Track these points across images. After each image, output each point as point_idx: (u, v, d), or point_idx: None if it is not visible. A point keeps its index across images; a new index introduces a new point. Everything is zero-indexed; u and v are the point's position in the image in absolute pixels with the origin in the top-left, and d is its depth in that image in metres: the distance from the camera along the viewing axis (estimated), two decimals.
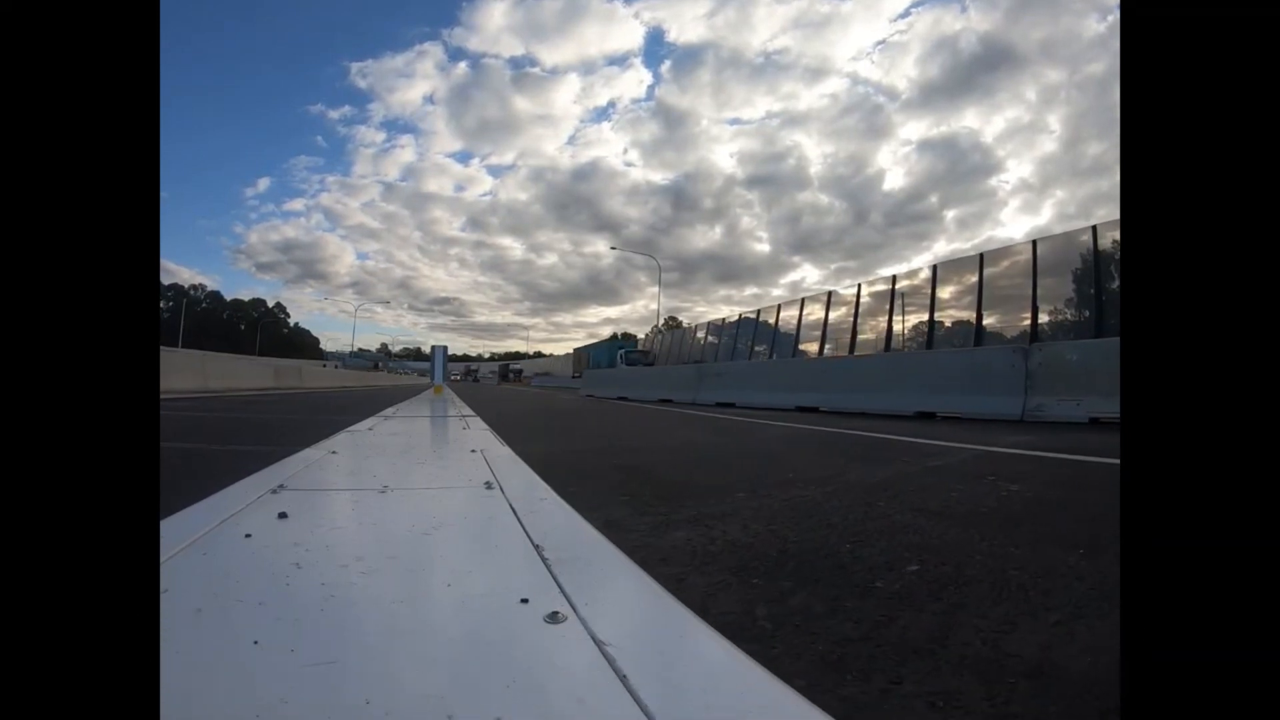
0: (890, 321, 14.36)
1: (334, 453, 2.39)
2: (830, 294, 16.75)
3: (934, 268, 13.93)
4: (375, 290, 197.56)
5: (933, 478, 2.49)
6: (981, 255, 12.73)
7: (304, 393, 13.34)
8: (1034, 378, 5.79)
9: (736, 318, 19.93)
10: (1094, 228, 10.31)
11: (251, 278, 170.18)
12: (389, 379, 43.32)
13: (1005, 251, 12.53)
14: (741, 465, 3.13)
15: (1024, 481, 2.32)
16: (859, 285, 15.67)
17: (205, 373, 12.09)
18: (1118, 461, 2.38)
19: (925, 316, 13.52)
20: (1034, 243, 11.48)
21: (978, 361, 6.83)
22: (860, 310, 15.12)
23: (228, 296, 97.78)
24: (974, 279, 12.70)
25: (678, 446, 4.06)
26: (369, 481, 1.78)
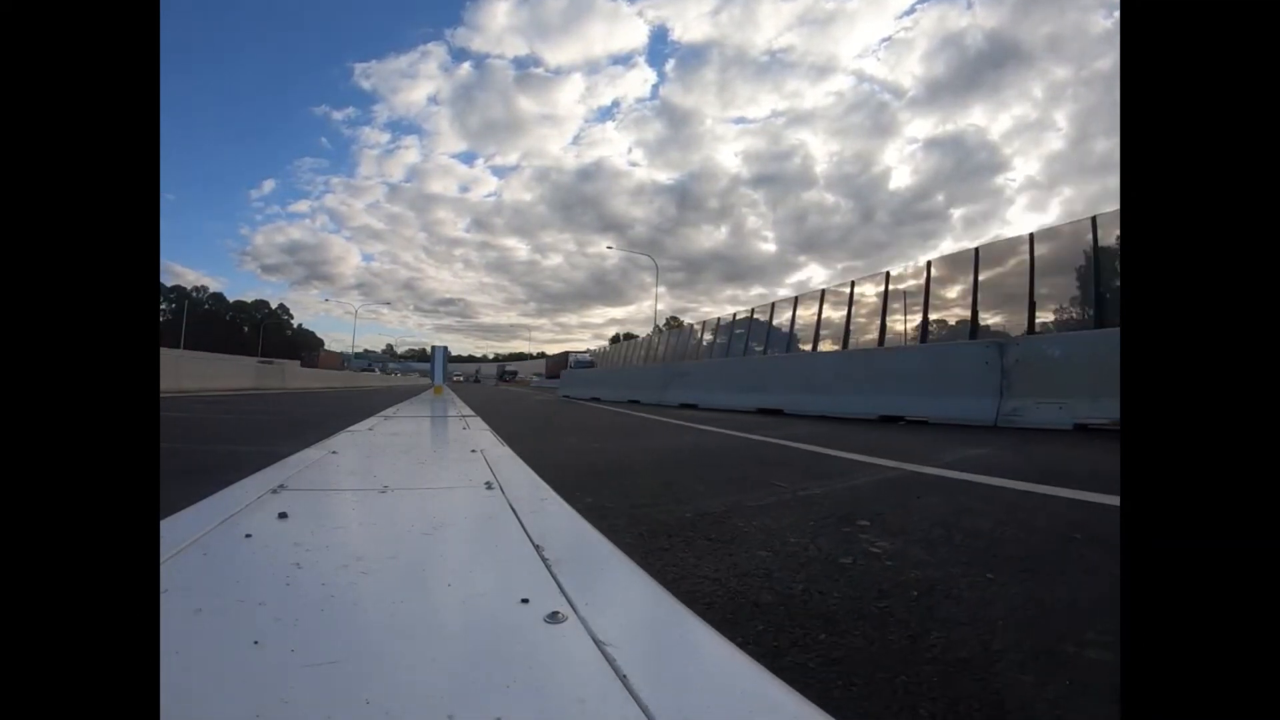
0: (884, 320, 14.32)
1: (334, 453, 2.39)
2: (823, 292, 16.70)
3: (928, 263, 13.92)
4: (381, 292, 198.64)
5: (774, 519, 1.74)
6: (977, 250, 12.74)
7: (278, 394, 12.99)
8: (1011, 377, 5.04)
9: (731, 317, 19.93)
10: (1094, 219, 10.23)
11: (257, 279, 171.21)
12: (380, 380, 41.84)
13: (1010, 250, 12.43)
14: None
15: (905, 536, 1.52)
16: (851, 283, 15.61)
17: (178, 372, 11.97)
18: (1080, 496, 1.99)
19: (932, 315, 13.42)
20: (1030, 235, 11.45)
21: (947, 359, 5.97)
22: (861, 309, 15.06)
23: (235, 299, 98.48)
24: (982, 277, 12.64)
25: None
26: (369, 481, 1.78)
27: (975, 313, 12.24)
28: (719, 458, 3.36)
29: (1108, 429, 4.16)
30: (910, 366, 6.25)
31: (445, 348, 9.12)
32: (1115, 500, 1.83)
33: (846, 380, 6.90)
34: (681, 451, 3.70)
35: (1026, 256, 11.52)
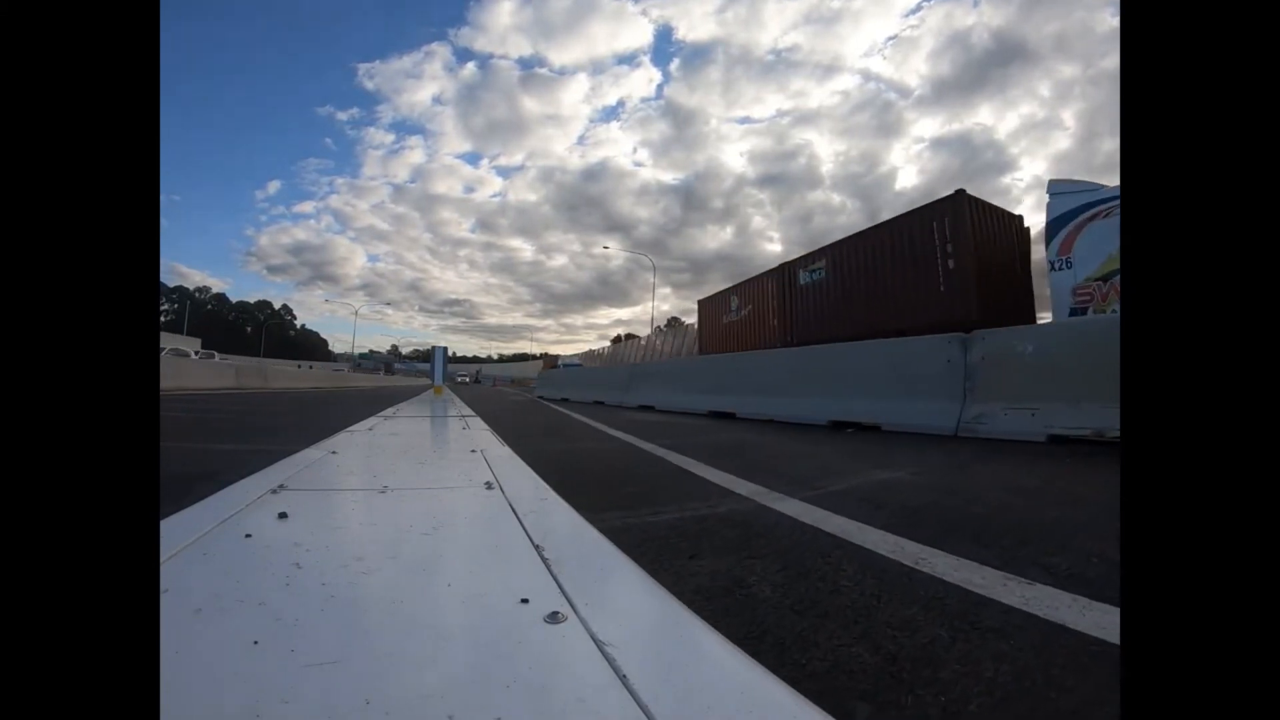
0: None
1: (334, 453, 2.40)
2: None
3: None
4: (386, 292, 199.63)
5: None
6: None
7: (250, 395, 12.48)
8: (975, 377, 4.30)
9: None
10: None
11: (262, 280, 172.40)
12: (367, 379, 39.26)
13: None
14: None
15: None
16: None
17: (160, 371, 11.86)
18: (965, 580, 1.20)
19: None
20: (1025, 223, 11.29)
21: (905, 356, 5.10)
22: None
23: (240, 299, 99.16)
24: None
25: None
26: (369, 481, 1.78)
27: None
28: (554, 474, 2.84)
29: (1091, 442, 3.42)
30: (866, 365, 5.48)
31: (445, 348, 9.15)
32: (1019, 597, 1.14)
33: (799, 381, 6.21)
34: (538, 462, 3.18)
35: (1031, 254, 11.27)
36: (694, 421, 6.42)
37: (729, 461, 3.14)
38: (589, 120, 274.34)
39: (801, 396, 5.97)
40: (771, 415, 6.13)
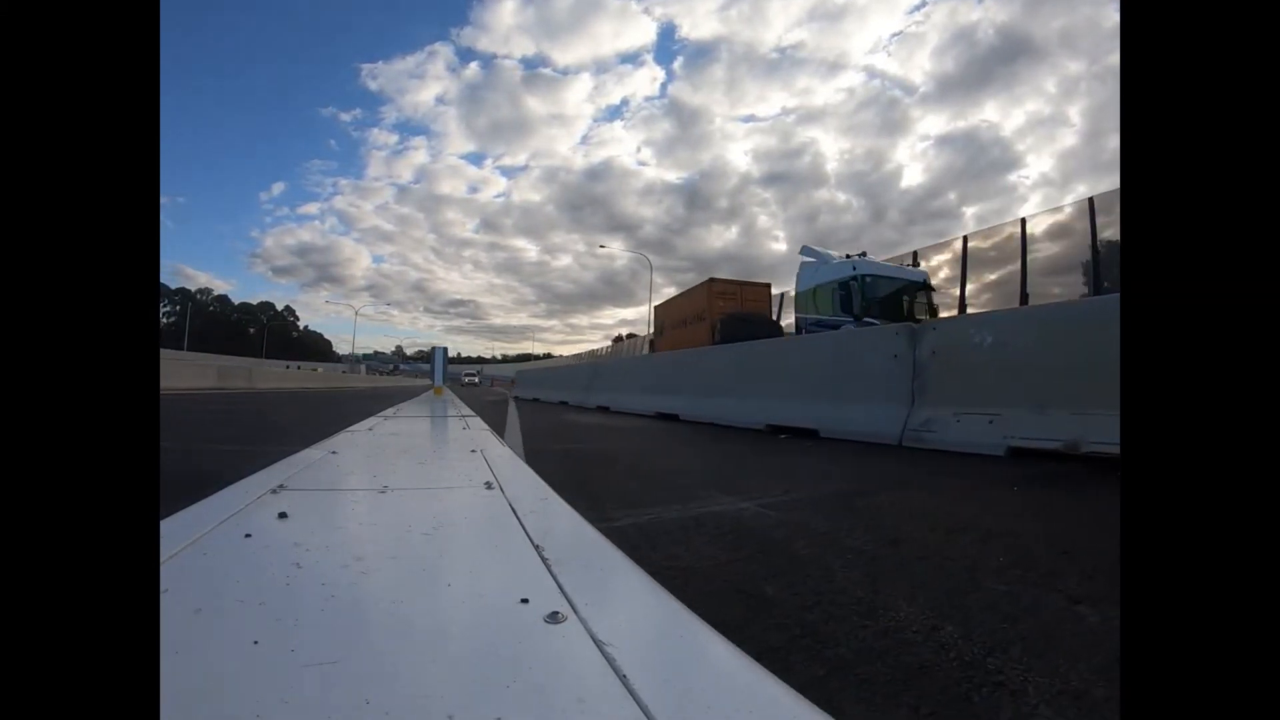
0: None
1: (334, 453, 2.40)
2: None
3: (914, 255, 13.88)
4: (391, 293, 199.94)
5: None
6: (965, 237, 12.74)
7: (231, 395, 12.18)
8: (925, 375, 3.63)
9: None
10: (1091, 200, 10.10)
11: (267, 281, 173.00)
12: (366, 380, 38.94)
13: (1018, 247, 12.30)
14: None
15: None
16: None
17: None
18: None
19: (941, 315, 13.32)
20: (1022, 220, 11.40)
21: (852, 352, 4.46)
22: None
23: (245, 300, 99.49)
24: (993, 275, 12.54)
25: None
26: (369, 481, 1.78)
27: (963, 307, 12.11)
28: None
29: (1060, 456, 2.70)
30: (811, 363, 4.89)
31: (445, 349, 9.19)
32: None
33: (740, 382, 5.76)
34: None
35: (1038, 252, 11.37)
36: (629, 424, 5.86)
37: (575, 476, 2.75)
38: (592, 120, 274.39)
39: (741, 398, 5.52)
40: (713, 418, 5.66)
